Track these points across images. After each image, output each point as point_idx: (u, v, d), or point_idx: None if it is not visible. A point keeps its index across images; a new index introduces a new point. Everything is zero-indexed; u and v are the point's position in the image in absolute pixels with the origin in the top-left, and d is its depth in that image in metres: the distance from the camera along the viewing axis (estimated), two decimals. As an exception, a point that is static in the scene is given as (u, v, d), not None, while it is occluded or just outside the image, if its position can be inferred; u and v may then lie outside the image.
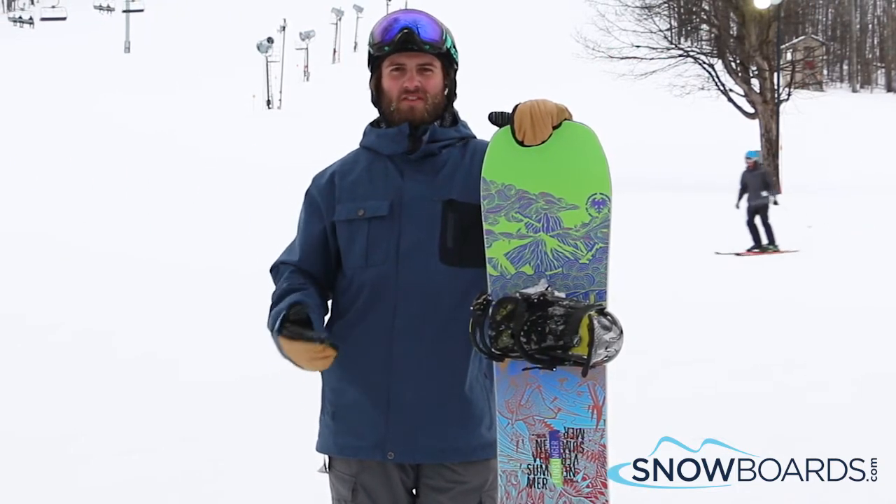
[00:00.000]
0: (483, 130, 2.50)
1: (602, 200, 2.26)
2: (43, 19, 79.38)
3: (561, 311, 2.13)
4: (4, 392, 6.31)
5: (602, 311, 2.16)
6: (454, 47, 2.44)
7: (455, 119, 2.47)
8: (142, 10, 71.42)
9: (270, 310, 2.39)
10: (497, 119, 2.29)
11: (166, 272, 11.49)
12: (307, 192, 2.49)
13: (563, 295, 2.20)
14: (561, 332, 2.12)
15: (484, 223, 2.30)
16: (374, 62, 2.42)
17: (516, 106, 2.27)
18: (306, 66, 59.44)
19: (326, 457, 2.46)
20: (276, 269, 2.50)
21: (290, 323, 2.28)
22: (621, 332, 2.16)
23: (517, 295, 2.18)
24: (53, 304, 9.50)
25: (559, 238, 2.27)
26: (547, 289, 2.19)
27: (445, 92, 2.44)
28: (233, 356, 7.17)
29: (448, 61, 2.42)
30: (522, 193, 2.28)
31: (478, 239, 2.30)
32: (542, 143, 2.26)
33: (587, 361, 2.10)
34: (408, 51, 2.36)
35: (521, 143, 2.27)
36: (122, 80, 52.08)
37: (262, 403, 5.91)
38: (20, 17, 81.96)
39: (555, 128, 2.25)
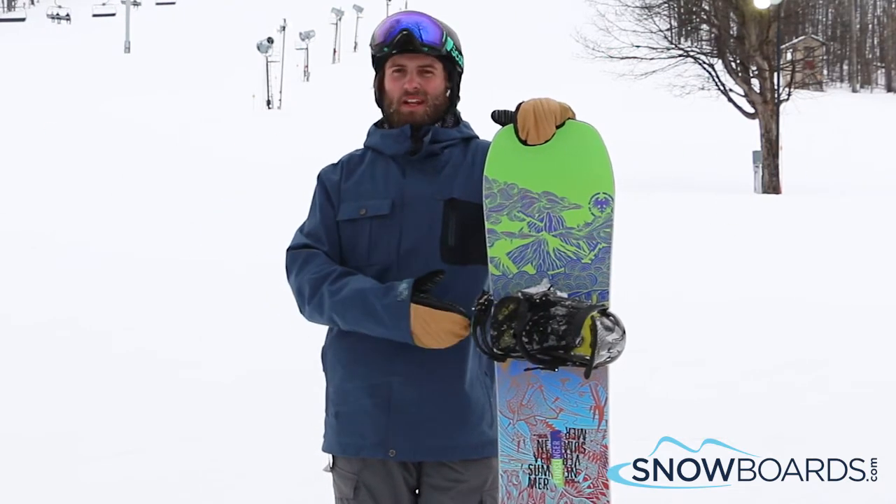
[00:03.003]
0: (484, 130, 2.50)
1: (605, 200, 2.25)
2: (2, 20, 79.36)
3: (563, 312, 2.13)
4: (4, 391, 6.31)
5: (605, 312, 2.16)
6: (456, 50, 2.45)
7: (457, 120, 2.49)
8: (113, 14, 71.79)
9: (334, 294, 2.29)
10: (500, 117, 2.28)
11: (166, 270, 11.47)
12: (320, 180, 2.47)
13: (565, 295, 2.19)
14: (563, 332, 2.11)
15: (486, 222, 2.29)
16: (378, 63, 2.44)
17: (519, 104, 2.27)
18: (306, 66, 59.36)
19: (331, 456, 2.47)
20: (297, 252, 2.41)
21: (422, 294, 2.25)
22: (624, 332, 2.15)
23: (519, 295, 2.17)
24: (52, 302, 9.49)
25: (562, 238, 2.26)
26: (549, 288, 2.19)
27: (447, 94, 2.45)
28: (232, 354, 7.17)
29: (450, 63, 2.44)
30: (525, 192, 2.27)
31: (479, 238, 2.30)
32: (546, 142, 2.25)
33: (590, 362, 2.10)
34: (408, 52, 2.38)
35: (524, 142, 2.26)
36: (123, 81, 52.05)
37: (263, 402, 5.91)
38: (58, 14, 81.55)
39: (558, 127, 2.25)
